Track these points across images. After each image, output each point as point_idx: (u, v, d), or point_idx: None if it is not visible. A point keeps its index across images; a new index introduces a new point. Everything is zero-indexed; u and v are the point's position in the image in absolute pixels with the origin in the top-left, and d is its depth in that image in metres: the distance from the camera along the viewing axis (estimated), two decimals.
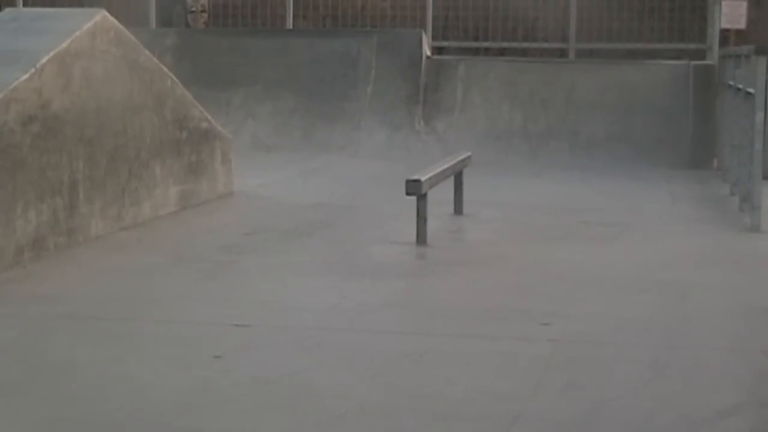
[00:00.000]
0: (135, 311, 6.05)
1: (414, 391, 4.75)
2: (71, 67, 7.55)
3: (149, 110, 8.63)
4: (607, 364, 5.17)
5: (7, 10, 8.55)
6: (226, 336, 5.55)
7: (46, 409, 4.47)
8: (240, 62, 14.31)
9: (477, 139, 13.20)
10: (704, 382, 4.93)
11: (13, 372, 4.97)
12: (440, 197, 8.75)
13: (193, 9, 15.81)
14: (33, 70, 7.14)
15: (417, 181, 7.86)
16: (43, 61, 7.25)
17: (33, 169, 7.10)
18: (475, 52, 15.18)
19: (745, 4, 13.60)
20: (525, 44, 14.98)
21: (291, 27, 15.29)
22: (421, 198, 7.87)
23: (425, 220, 7.91)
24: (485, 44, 15.29)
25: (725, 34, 13.91)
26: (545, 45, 15.02)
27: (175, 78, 9.14)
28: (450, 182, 9.05)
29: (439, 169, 8.50)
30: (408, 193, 7.86)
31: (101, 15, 8.02)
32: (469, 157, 9.58)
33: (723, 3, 13.61)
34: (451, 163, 9.01)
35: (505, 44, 15.17)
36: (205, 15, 15.94)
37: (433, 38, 14.80)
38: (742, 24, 13.70)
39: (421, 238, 7.89)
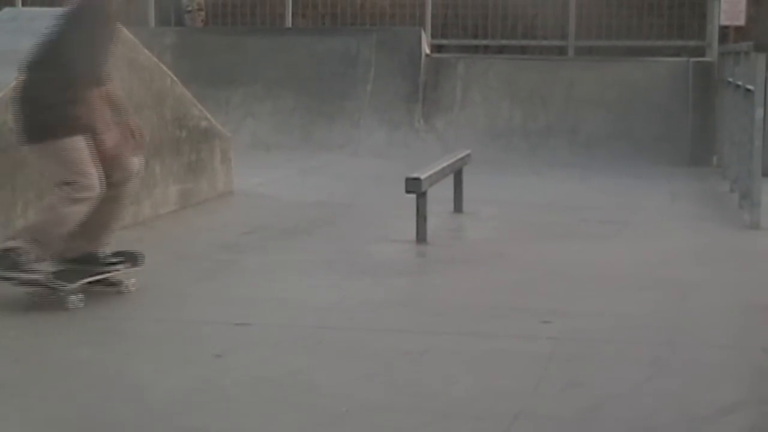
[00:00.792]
0: (135, 310, 6.04)
1: (414, 389, 4.75)
2: None
3: (149, 109, 8.63)
4: (608, 362, 5.17)
5: (6, 9, 8.54)
6: (226, 335, 5.56)
7: (46, 409, 4.47)
8: (239, 61, 14.32)
9: (477, 137, 13.20)
10: (704, 380, 4.93)
11: (14, 371, 4.97)
12: (440, 195, 8.74)
13: (190, 9, 15.79)
14: None
15: (417, 179, 7.86)
16: None
17: (32, 168, 7.08)
18: (475, 50, 15.18)
19: (744, 1, 13.60)
20: (524, 42, 14.98)
21: (290, 25, 15.30)
22: (421, 196, 7.87)
23: (425, 218, 7.91)
24: (484, 42, 15.30)
25: (724, 31, 13.91)
26: (544, 43, 15.03)
27: (174, 77, 9.14)
28: (450, 180, 9.05)
29: (438, 167, 8.49)
30: (408, 191, 7.86)
31: None
32: (468, 155, 9.58)
33: (722, 0, 13.61)
34: (451, 161, 9.01)
35: (504, 42, 15.17)
36: (203, 14, 15.93)
37: (433, 36, 14.80)
38: (741, 21, 13.70)
39: (421, 236, 7.89)
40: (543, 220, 9.07)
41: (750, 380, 4.99)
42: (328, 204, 9.67)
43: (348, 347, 5.39)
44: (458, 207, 9.26)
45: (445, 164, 8.76)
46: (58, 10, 6.18)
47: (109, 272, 6.28)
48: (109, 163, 6.10)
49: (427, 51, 14.23)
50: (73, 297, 5.96)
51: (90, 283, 6.15)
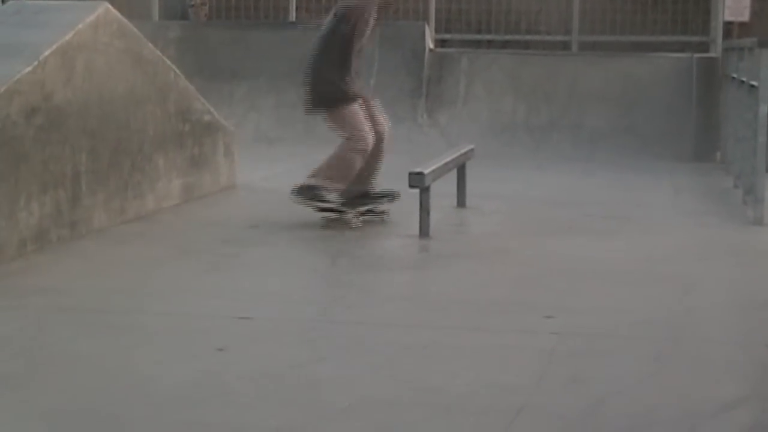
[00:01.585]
0: (138, 304, 6.05)
1: (417, 384, 4.75)
2: (74, 59, 7.55)
3: (152, 103, 8.63)
4: (611, 357, 5.17)
5: (10, 2, 8.54)
6: (229, 328, 5.56)
7: (48, 402, 4.47)
8: (243, 55, 14.31)
9: (480, 131, 13.19)
10: (708, 376, 4.93)
11: (16, 364, 4.97)
12: (443, 190, 8.74)
13: (193, 3, 15.78)
14: (36, 62, 7.14)
15: (420, 173, 7.86)
16: (46, 53, 7.25)
17: (36, 161, 7.10)
18: (478, 44, 15.18)
19: None
20: (528, 37, 14.98)
21: (294, 19, 15.29)
22: (424, 191, 7.87)
23: (428, 212, 7.90)
24: (488, 37, 15.30)
25: (728, 27, 13.91)
26: (548, 38, 15.02)
27: (177, 70, 9.14)
28: (453, 175, 9.05)
29: (442, 162, 8.49)
30: (411, 186, 7.86)
31: (104, 7, 8.01)
32: (472, 150, 9.57)
33: None
34: (454, 155, 9.01)
35: (508, 37, 15.18)
36: (206, 8, 15.92)
37: (436, 31, 14.80)
38: (745, 16, 13.69)
39: (424, 231, 7.89)
40: (546, 215, 9.06)
41: (753, 376, 4.98)
42: None
43: (350, 341, 5.39)
44: (461, 202, 9.26)
45: (448, 159, 8.75)
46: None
47: (377, 204, 8.37)
48: (372, 124, 8.24)
49: (431, 46, 14.22)
50: (354, 219, 8.19)
51: (364, 212, 8.30)
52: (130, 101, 8.28)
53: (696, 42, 14.30)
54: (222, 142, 9.84)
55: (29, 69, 7.07)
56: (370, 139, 8.14)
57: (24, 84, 7.01)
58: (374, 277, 6.76)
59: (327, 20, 8.31)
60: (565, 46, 14.81)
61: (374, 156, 8.27)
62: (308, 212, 8.83)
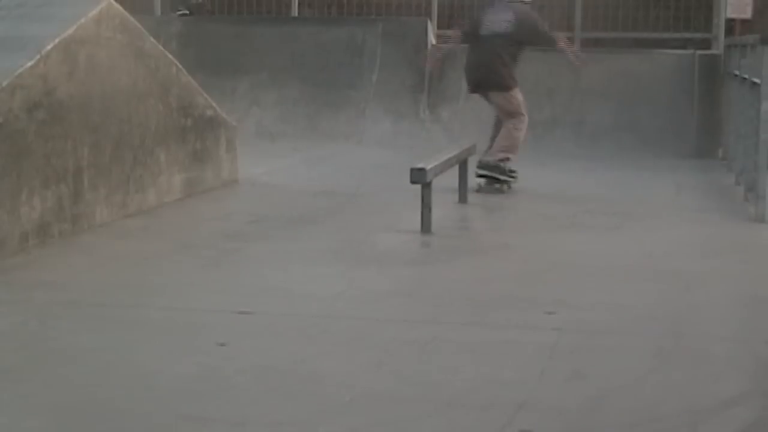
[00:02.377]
0: (139, 298, 6.05)
1: (419, 379, 4.76)
2: (76, 54, 7.55)
3: (154, 97, 8.63)
4: (612, 353, 5.17)
5: None
6: (230, 323, 5.56)
7: (50, 396, 4.48)
8: (245, 50, 14.30)
9: (482, 127, 13.14)
10: (709, 372, 4.93)
11: (18, 358, 4.97)
12: (445, 186, 8.74)
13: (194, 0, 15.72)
14: (38, 56, 7.14)
15: (422, 169, 7.86)
16: (49, 47, 7.25)
17: (38, 155, 7.10)
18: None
19: None
20: None
21: (296, 15, 15.28)
22: (426, 186, 7.87)
23: (430, 208, 7.90)
24: None
25: (731, 24, 13.89)
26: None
27: (180, 65, 9.14)
28: (455, 171, 9.05)
29: (444, 158, 8.49)
30: (413, 182, 7.86)
31: (106, 2, 8.02)
32: (474, 146, 9.58)
33: None
34: (456, 151, 9.01)
35: None
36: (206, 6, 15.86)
37: (439, 26, 14.77)
38: (747, 14, 13.68)
39: (425, 227, 7.89)
40: (548, 211, 9.06)
41: (754, 372, 4.99)
42: (333, 193, 9.67)
43: (352, 336, 5.39)
44: (463, 198, 9.26)
45: (450, 155, 8.75)
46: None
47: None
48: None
49: (434, 41, 14.21)
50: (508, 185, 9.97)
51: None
52: (132, 96, 8.28)
53: (698, 39, 14.28)
54: (224, 137, 9.84)
55: (31, 63, 7.08)
56: (527, 119, 10.19)
57: (26, 78, 7.01)
58: (376, 273, 6.76)
59: (503, 24, 10.13)
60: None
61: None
62: (311, 208, 8.84)
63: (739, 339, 5.49)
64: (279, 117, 13.87)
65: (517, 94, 10.17)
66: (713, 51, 13.75)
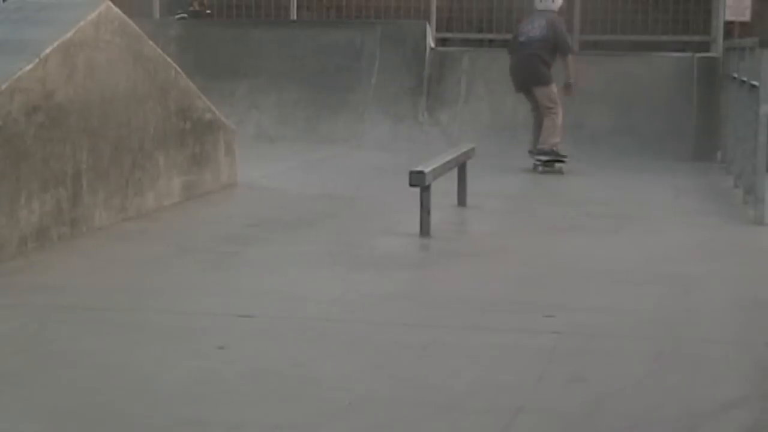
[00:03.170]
0: (138, 301, 6.05)
1: (417, 382, 4.76)
2: (75, 57, 7.55)
3: (153, 101, 8.63)
4: (611, 357, 5.17)
5: (12, 0, 8.54)
6: (229, 326, 5.56)
7: (49, 399, 4.48)
8: (244, 53, 14.31)
9: (481, 130, 13.19)
10: (708, 375, 4.93)
11: (17, 362, 4.97)
12: (444, 189, 8.74)
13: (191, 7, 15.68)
14: (37, 60, 7.14)
15: (421, 172, 7.86)
16: (47, 51, 7.25)
17: (37, 159, 7.10)
18: (480, 43, 15.16)
19: None
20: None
21: (295, 18, 15.28)
22: (425, 189, 7.87)
23: (429, 211, 7.90)
24: (489, 36, 15.27)
25: (729, 27, 13.89)
26: None
27: (179, 68, 9.14)
28: (454, 174, 9.05)
29: (442, 161, 8.49)
30: (412, 185, 7.86)
31: (105, 5, 8.02)
32: (473, 149, 9.58)
33: None
34: (455, 154, 9.01)
35: (509, 36, 15.14)
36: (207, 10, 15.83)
37: (437, 30, 14.79)
38: (746, 16, 13.67)
39: (424, 230, 7.89)
40: (547, 214, 9.07)
41: (753, 376, 4.99)
42: (332, 197, 9.67)
43: (351, 340, 5.39)
44: (462, 200, 9.26)
45: (449, 158, 8.75)
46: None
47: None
48: None
49: (432, 44, 14.22)
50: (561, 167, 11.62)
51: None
52: (131, 99, 8.28)
53: (697, 42, 14.28)
54: (223, 141, 9.84)
55: (30, 66, 7.08)
56: (561, 110, 11.78)
57: (25, 81, 7.01)
58: (375, 276, 6.76)
59: (538, 30, 11.76)
60: None
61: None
62: (310, 211, 8.85)
63: (738, 342, 5.49)
64: (278, 120, 13.88)
65: (555, 88, 11.72)
66: (712, 54, 13.76)
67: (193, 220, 8.48)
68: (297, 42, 14.28)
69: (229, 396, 4.52)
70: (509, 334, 5.52)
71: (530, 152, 11.86)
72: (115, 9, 8.14)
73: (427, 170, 7.91)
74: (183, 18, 15.09)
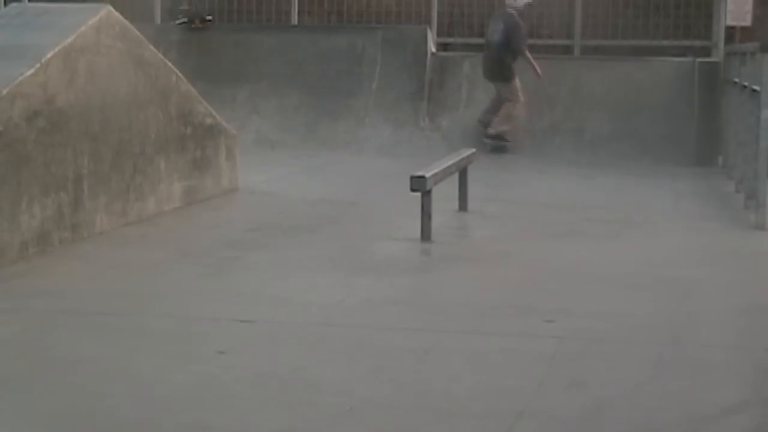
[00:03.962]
0: (139, 306, 6.05)
1: (418, 387, 4.76)
2: (76, 62, 7.56)
3: (154, 106, 8.63)
4: (611, 361, 5.17)
5: (13, 5, 8.56)
6: (230, 331, 5.56)
7: (49, 404, 4.48)
8: (245, 58, 14.31)
9: (482, 135, 13.18)
10: (708, 380, 4.93)
11: (18, 366, 4.97)
12: (445, 194, 8.74)
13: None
14: (38, 65, 7.15)
15: (422, 177, 7.86)
16: (48, 56, 7.25)
17: (38, 164, 7.11)
18: (481, 48, 15.13)
19: (750, 2, 13.58)
20: (530, 41, 14.92)
21: (296, 23, 15.29)
22: (426, 194, 7.87)
23: (430, 216, 7.90)
24: None
25: (730, 32, 13.89)
26: (550, 42, 15.00)
27: (180, 73, 9.15)
28: (455, 179, 9.05)
29: (443, 166, 8.49)
30: (413, 190, 7.86)
31: (106, 10, 8.02)
32: (474, 154, 9.58)
33: (728, 0, 13.59)
34: (456, 159, 9.01)
35: None
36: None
37: (438, 34, 14.80)
38: (747, 21, 13.68)
39: (425, 235, 7.89)
40: (547, 219, 9.07)
41: (753, 380, 4.99)
42: (333, 202, 9.68)
43: (351, 345, 5.39)
44: (463, 205, 9.26)
45: (450, 163, 8.75)
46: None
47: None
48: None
49: (433, 49, 14.23)
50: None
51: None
52: (132, 104, 8.28)
53: (698, 46, 14.28)
54: (224, 145, 9.85)
55: (31, 71, 7.08)
56: (522, 103, 13.12)
57: (26, 86, 7.02)
58: (375, 281, 6.76)
59: (496, 34, 13.27)
60: (567, 50, 14.81)
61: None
62: (311, 216, 8.85)
63: (738, 347, 5.49)
64: (279, 125, 13.88)
65: (515, 84, 13.08)
66: (713, 58, 13.76)
67: (193, 225, 8.48)
68: (298, 47, 14.29)
69: (229, 401, 4.52)
70: (510, 338, 5.52)
71: (479, 121, 13.26)
72: (117, 14, 8.15)
73: (428, 175, 7.91)
74: (183, 23, 15.07)
